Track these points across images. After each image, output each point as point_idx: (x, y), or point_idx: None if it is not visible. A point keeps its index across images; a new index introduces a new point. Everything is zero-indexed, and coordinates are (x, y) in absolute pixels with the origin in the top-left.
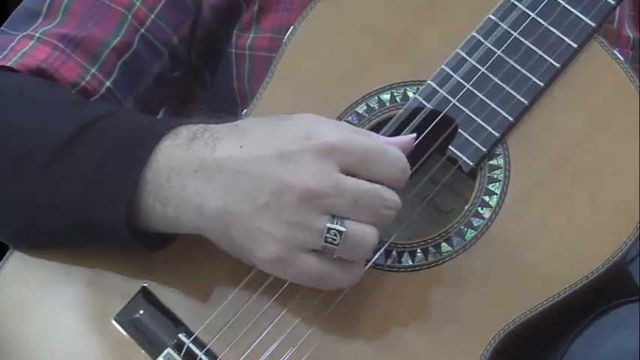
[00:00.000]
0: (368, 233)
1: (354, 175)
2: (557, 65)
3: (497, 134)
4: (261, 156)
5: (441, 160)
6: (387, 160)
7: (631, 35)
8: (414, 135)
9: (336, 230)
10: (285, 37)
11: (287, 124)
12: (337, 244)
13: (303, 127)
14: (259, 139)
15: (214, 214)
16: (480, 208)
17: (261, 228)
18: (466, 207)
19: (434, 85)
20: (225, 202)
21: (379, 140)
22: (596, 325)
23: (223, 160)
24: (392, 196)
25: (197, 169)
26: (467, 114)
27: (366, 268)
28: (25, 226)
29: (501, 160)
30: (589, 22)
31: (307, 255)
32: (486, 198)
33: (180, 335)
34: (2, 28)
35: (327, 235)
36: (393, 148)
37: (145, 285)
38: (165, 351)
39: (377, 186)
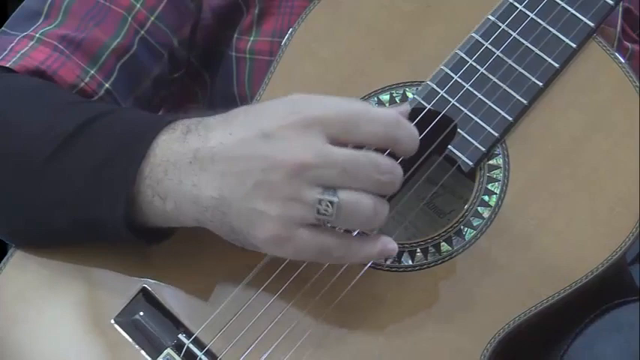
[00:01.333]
0: (363, 200)
1: (344, 145)
2: (556, 65)
3: (496, 134)
4: (247, 138)
5: (440, 160)
6: (372, 118)
7: (629, 46)
8: (408, 107)
9: (328, 201)
10: (285, 39)
11: (271, 105)
12: (331, 215)
13: (286, 105)
14: (246, 123)
15: (210, 202)
16: (479, 208)
17: (255, 208)
18: (465, 207)
19: (433, 85)
20: (219, 190)
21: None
22: (596, 325)
23: (215, 149)
24: (385, 160)
25: (191, 160)
26: (466, 114)
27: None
28: (26, 225)
29: (500, 159)
30: (588, 22)
31: (305, 230)
32: (486, 198)
33: (180, 336)
34: (3, 28)
35: (319, 207)
36: (378, 108)
37: (145, 286)
38: (165, 351)
39: (368, 152)
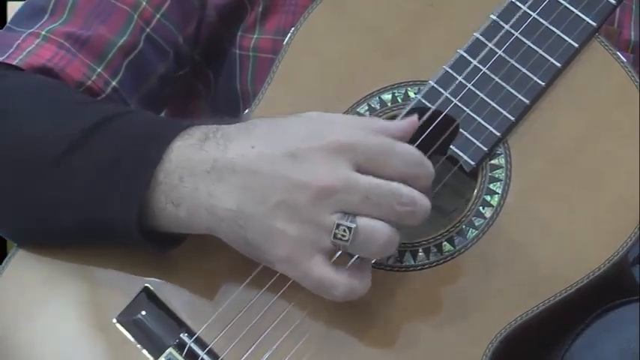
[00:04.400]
0: (379, 229)
1: (368, 173)
2: (559, 65)
3: (498, 134)
4: (273, 155)
5: (442, 159)
6: (397, 155)
7: (632, 38)
8: (416, 116)
9: (345, 226)
10: (287, 38)
11: (297, 123)
12: (347, 240)
13: (314, 125)
14: (270, 139)
15: (227, 214)
16: (481, 208)
17: (275, 226)
18: (467, 206)
19: (435, 85)
20: (238, 203)
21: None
22: (597, 324)
23: (235, 160)
24: (407, 192)
25: (209, 169)
26: (468, 114)
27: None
28: (34, 224)
29: (502, 159)
30: (590, 21)
31: (318, 257)
32: (488, 197)
33: (182, 335)
34: (8, 24)
35: (337, 232)
36: (404, 144)
37: (147, 285)
38: (167, 351)
39: (391, 182)
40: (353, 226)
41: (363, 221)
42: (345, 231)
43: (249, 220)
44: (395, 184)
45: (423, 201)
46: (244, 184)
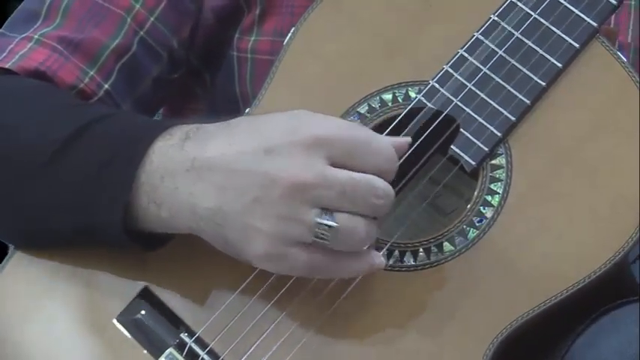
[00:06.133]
0: (360, 225)
1: (343, 167)
2: (559, 65)
3: (499, 134)
4: (249, 152)
5: (443, 160)
6: (373, 149)
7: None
8: (409, 139)
9: (326, 225)
10: (287, 38)
11: (275, 120)
12: (328, 239)
13: (290, 121)
14: (249, 136)
15: (207, 213)
16: (482, 208)
17: (251, 224)
18: (468, 206)
19: (436, 85)
20: (216, 201)
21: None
22: (597, 325)
23: (213, 159)
24: (382, 185)
25: (189, 168)
26: (469, 114)
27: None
28: (26, 227)
29: (503, 159)
30: (591, 22)
31: (298, 249)
32: (488, 197)
33: (182, 335)
34: (1, 30)
35: (317, 230)
36: (380, 139)
37: (147, 285)
38: (168, 351)
39: (366, 175)
40: (335, 225)
41: (343, 220)
42: (325, 229)
43: (227, 218)
44: (370, 177)
45: (393, 193)
46: (222, 182)
